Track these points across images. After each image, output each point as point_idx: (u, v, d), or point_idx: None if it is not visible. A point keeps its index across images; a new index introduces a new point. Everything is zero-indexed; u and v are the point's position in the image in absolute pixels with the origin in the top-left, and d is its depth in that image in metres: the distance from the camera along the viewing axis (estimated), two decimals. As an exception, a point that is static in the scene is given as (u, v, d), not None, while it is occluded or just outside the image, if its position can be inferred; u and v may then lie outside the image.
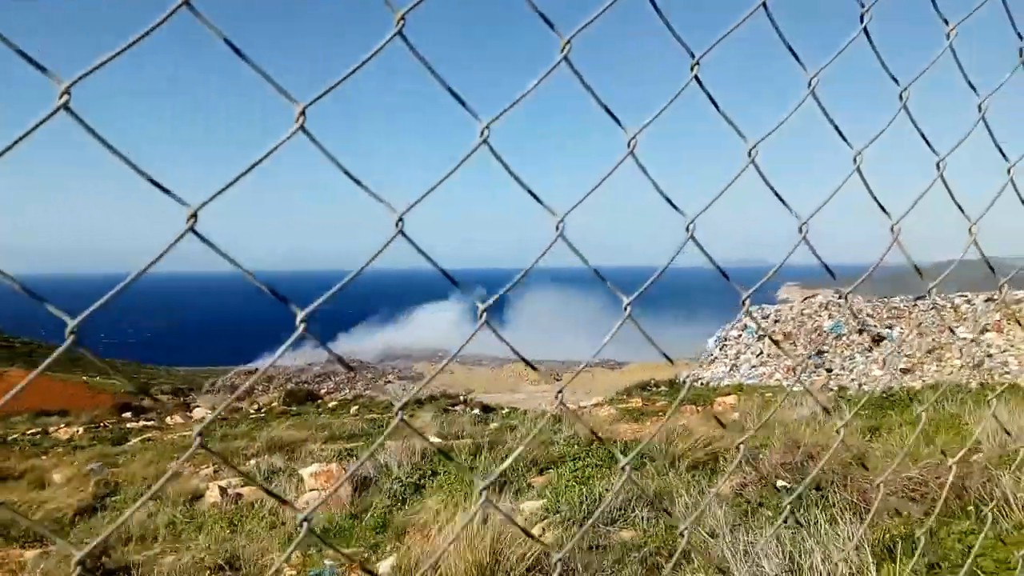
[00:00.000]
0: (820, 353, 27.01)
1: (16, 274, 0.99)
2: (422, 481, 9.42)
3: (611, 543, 6.10)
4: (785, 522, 4.93)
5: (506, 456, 9.74)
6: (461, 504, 7.61)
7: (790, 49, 1.78)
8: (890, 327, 27.55)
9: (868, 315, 28.46)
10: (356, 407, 32.40)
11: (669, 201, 1.70)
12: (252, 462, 12.52)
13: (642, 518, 6.61)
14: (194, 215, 1.06)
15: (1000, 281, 2.78)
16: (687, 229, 1.73)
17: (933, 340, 24.94)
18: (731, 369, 29.70)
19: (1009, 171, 2.47)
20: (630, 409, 23.23)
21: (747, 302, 2.04)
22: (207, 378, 46.88)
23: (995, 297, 26.02)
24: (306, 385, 41.62)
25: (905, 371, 23.57)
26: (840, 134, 1.99)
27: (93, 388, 43.31)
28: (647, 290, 1.80)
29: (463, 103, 1.39)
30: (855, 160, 2.03)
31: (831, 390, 22.84)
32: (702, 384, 29.35)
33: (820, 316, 29.50)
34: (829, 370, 25.94)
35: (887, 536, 5.04)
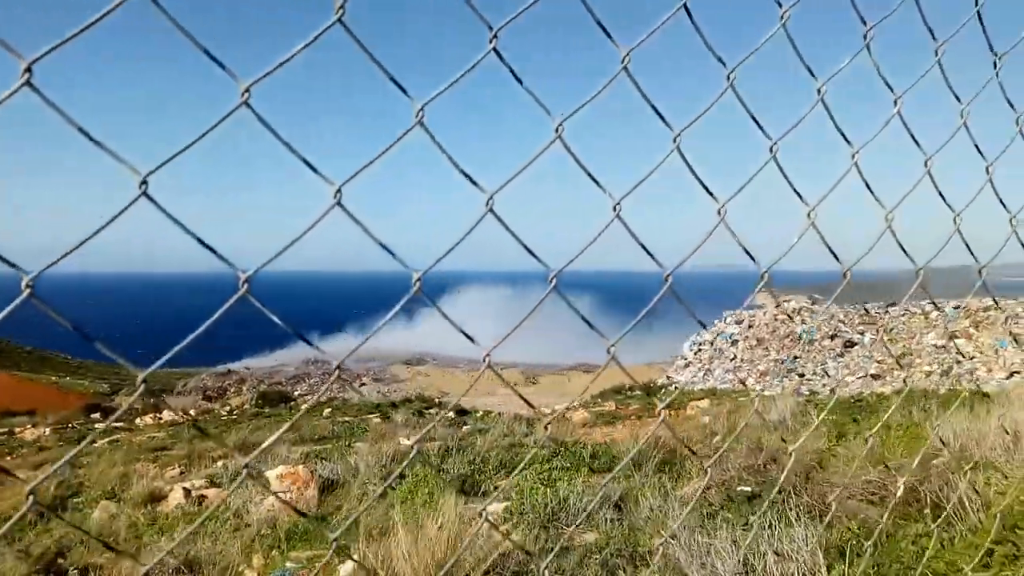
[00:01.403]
0: (793, 358, 27.28)
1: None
2: (391, 483, 9.37)
3: (574, 545, 6.11)
4: (744, 527, 4.96)
5: (475, 459, 9.73)
6: (428, 505, 7.59)
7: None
8: (862, 333, 27.87)
9: (841, 321, 28.77)
10: (329, 409, 32.19)
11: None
12: (219, 464, 12.40)
13: (606, 520, 6.62)
14: (144, 181, 1.09)
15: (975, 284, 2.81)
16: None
17: (903, 346, 25.27)
18: (705, 374, 29.89)
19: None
20: (604, 413, 23.32)
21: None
22: (180, 379, 46.38)
23: (964, 304, 26.41)
24: (279, 387, 41.30)
25: (875, 376, 23.86)
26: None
27: (63, 389, 42.73)
28: (556, 272, 1.80)
29: (400, 86, 1.41)
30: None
31: (803, 395, 23.05)
32: (676, 388, 29.51)
33: (793, 322, 29.79)
34: (801, 375, 26.19)
35: (842, 538, 5.08)
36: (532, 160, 1.59)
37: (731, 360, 29.11)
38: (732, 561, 4.10)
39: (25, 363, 51.28)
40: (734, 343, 29.67)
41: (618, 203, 1.72)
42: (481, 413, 25.29)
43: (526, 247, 1.68)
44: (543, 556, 5.75)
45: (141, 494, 10.01)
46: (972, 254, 2.63)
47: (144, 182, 1.09)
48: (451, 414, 27.56)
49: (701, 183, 1.83)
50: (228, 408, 34.79)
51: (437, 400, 32.85)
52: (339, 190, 1.33)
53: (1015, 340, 23.63)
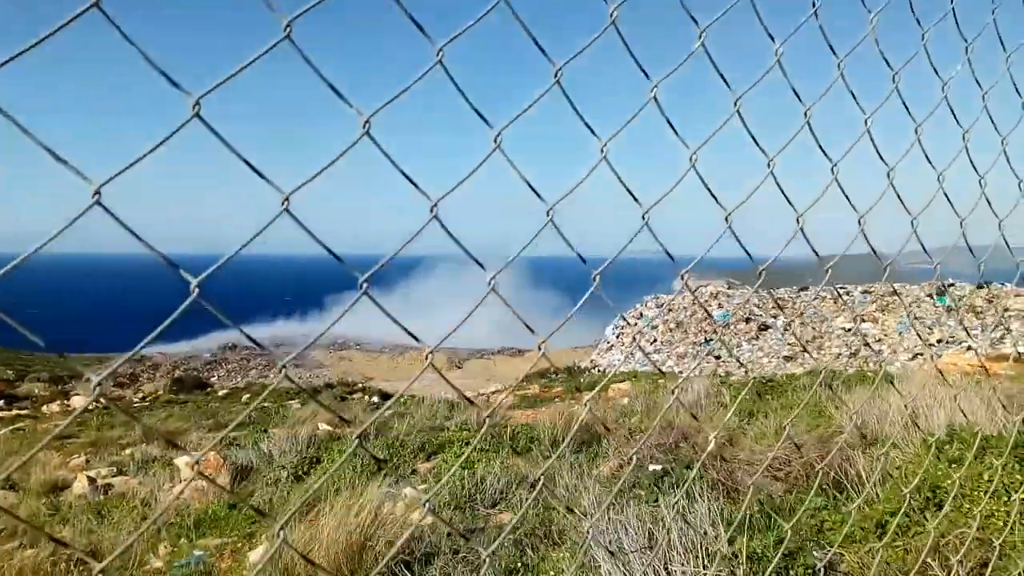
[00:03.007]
0: (707, 341, 28.00)
1: None
2: (305, 468, 9.21)
3: (489, 525, 6.12)
4: (649, 502, 5.06)
5: (394, 442, 9.64)
6: (342, 490, 7.49)
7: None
8: (775, 317, 28.82)
9: (756, 305, 29.67)
10: (248, 395, 31.50)
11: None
12: (127, 451, 11.97)
13: (521, 500, 6.66)
14: (98, 191, 1.10)
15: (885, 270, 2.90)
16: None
17: (814, 329, 26.25)
18: (626, 357, 30.41)
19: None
20: (527, 396, 23.48)
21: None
22: (89, 366, 44.55)
23: (871, 289, 27.57)
24: (195, 373, 40.14)
25: (788, 358, 24.74)
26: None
27: (-40, 376, 40.49)
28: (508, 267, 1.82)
29: (345, 99, 1.36)
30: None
31: (719, 376, 23.70)
32: (599, 371, 29.96)
33: (710, 305, 30.55)
34: (718, 357, 26.92)
35: (748, 513, 5.23)
36: (475, 169, 1.63)
37: (651, 343, 29.72)
38: (635, 535, 4.17)
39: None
40: (654, 327, 30.31)
41: (551, 208, 1.75)
42: (405, 398, 25.12)
43: (470, 254, 1.72)
44: (487, 547, 5.74)
45: (43, 483, 9.59)
46: (875, 252, 2.72)
47: (97, 192, 1.10)
48: (375, 399, 27.35)
49: (627, 188, 1.83)
50: (141, 395, 33.63)
51: (360, 385, 32.49)
52: (287, 198, 1.33)
53: (917, 322, 24.81)
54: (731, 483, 6.08)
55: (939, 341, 23.94)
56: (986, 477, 4.47)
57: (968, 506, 4.29)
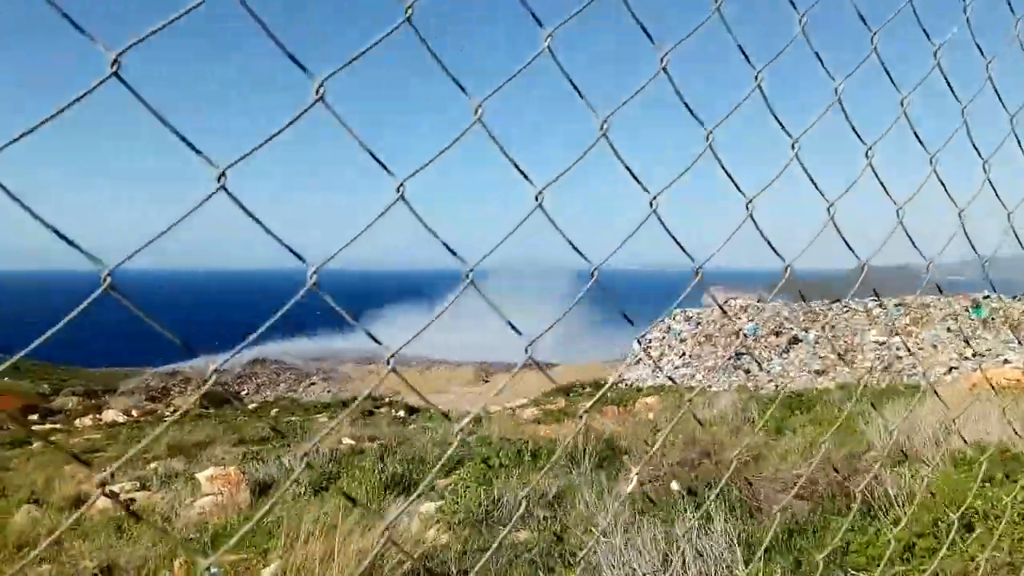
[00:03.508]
0: (739, 355, 27.60)
1: None
2: (324, 484, 9.16)
3: (504, 544, 6.00)
4: (671, 521, 4.90)
5: (412, 458, 9.56)
6: (356, 507, 7.41)
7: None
8: (806, 330, 28.35)
9: (786, 318, 29.22)
10: (276, 409, 31.68)
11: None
12: (152, 465, 12.02)
13: (538, 518, 6.53)
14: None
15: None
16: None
17: (845, 343, 25.76)
18: (654, 370, 30.08)
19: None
20: (552, 411, 23.33)
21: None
22: (123, 379, 45.14)
23: (905, 301, 27.02)
24: (226, 387, 40.47)
25: (819, 372, 24.28)
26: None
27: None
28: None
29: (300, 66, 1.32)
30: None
31: (750, 390, 23.33)
32: (627, 385, 29.67)
33: (739, 319, 30.16)
34: (747, 371, 26.52)
35: (771, 533, 5.06)
36: (448, 147, 1.53)
37: (680, 357, 29.37)
38: (648, 559, 4.03)
39: (-41, 364, 49.42)
40: (683, 340, 29.96)
41: (540, 192, 1.65)
42: (431, 413, 25.08)
43: (449, 247, 1.62)
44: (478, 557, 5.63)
45: (66, 497, 9.64)
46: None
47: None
48: (401, 412, 27.31)
49: (633, 174, 1.73)
50: (172, 408, 33.99)
51: (387, 399, 32.50)
52: (221, 178, 1.29)
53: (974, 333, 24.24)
54: (755, 502, 5.89)
55: (975, 355, 23.35)
56: (1020, 498, 4.26)
57: (999, 528, 4.09)
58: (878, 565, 4.30)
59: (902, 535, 4.57)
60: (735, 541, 4.11)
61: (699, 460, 7.04)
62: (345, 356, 53.83)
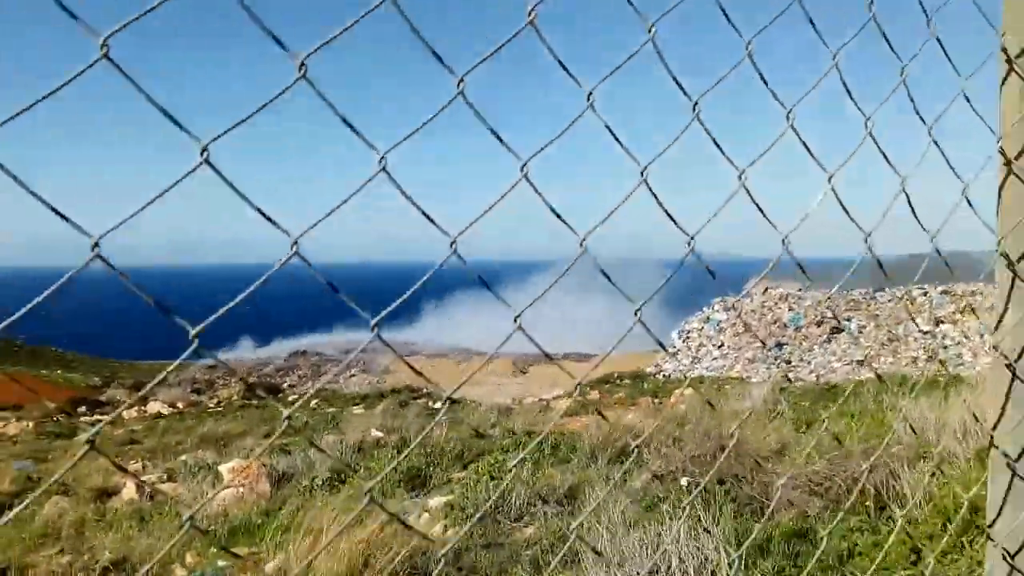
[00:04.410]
0: (780, 345, 27.07)
1: None
2: (343, 476, 9.16)
3: (507, 541, 5.91)
4: (677, 518, 4.75)
5: (432, 450, 9.51)
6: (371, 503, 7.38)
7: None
8: (848, 319, 27.67)
9: (827, 307, 28.57)
10: (316, 401, 32.02)
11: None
12: (182, 457, 12.20)
13: (545, 514, 6.42)
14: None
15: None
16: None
17: (889, 331, 25.06)
18: (693, 361, 29.70)
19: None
20: (586, 403, 23.14)
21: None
22: (171, 372, 46.07)
23: (951, 289, 26.21)
24: (268, 379, 41.08)
25: (861, 362, 23.66)
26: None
27: (51, 383, 42.44)
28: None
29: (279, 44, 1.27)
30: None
31: (790, 381, 22.88)
32: (665, 377, 29.33)
33: (779, 308, 29.57)
34: (788, 361, 26.00)
35: (778, 532, 4.88)
36: (426, 123, 1.44)
37: (718, 348, 28.90)
38: (646, 556, 3.90)
39: (16, 357, 50.94)
40: (721, 331, 29.47)
41: (524, 164, 1.54)
42: (463, 404, 25.11)
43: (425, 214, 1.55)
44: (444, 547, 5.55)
45: (93, 489, 9.82)
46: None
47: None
48: (437, 404, 27.39)
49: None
50: (216, 400, 34.63)
51: (424, 390, 32.67)
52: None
53: None
54: (765, 500, 5.70)
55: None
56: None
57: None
58: (884, 568, 4.10)
59: (909, 537, 4.36)
60: (729, 541, 3.95)
61: (714, 454, 6.85)
62: (384, 348, 54.10)
